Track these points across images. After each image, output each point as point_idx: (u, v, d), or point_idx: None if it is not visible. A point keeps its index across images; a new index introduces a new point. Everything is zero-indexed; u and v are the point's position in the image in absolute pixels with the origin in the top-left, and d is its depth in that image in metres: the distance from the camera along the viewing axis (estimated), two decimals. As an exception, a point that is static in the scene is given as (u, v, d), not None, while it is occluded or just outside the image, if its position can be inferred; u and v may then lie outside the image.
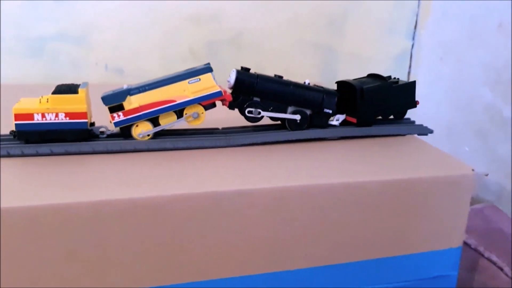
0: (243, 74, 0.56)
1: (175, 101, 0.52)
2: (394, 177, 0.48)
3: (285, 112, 0.57)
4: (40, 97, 0.50)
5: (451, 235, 0.51)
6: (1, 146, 0.49)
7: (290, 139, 0.56)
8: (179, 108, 0.53)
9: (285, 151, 0.54)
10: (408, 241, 0.50)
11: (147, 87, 0.52)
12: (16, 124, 0.49)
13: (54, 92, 0.49)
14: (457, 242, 0.52)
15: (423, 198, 0.49)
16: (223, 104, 0.56)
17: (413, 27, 1.13)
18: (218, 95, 0.54)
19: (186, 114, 0.54)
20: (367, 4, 1.07)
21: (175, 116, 0.54)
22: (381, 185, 0.47)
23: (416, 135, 0.61)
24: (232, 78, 0.56)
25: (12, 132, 0.51)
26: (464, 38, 0.97)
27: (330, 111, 0.58)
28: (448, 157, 0.54)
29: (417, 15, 1.12)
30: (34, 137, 0.49)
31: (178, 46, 1.00)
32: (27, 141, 0.50)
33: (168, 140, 0.53)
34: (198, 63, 1.02)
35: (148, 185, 0.44)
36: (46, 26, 0.93)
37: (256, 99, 0.57)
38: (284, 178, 0.47)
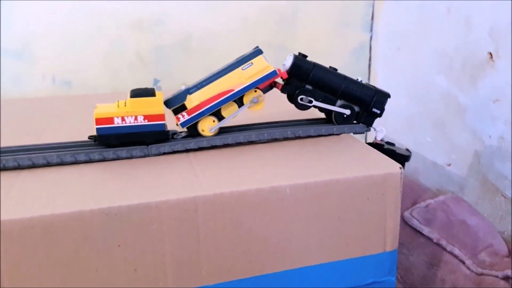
0: (300, 59, 0.55)
1: (233, 90, 0.53)
2: (314, 179, 0.45)
3: (334, 105, 0.57)
4: (117, 102, 0.51)
5: (384, 238, 0.48)
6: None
7: (203, 146, 0.54)
8: (239, 97, 0.53)
9: (201, 158, 0.51)
10: (336, 247, 0.47)
11: (204, 83, 0.53)
12: (97, 129, 0.50)
13: (132, 96, 0.50)
14: (391, 245, 0.49)
15: (348, 199, 0.46)
16: (275, 87, 0.56)
17: (369, 18, 1.10)
18: (273, 74, 0.54)
19: (246, 99, 0.54)
20: (316, 1, 1.05)
21: (236, 106, 0.54)
22: (300, 189, 0.44)
23: (352, 134, 0.58)
24: (288, 62, 0.55)
25: (91, 137, 0.52)
26: (416, 26, 0.94)
27: (379, 112, 0.57)
28: (377, 155, 0.51)
29: (373, 6, 1.09)
30: (114, 141, 0.51)
31: (125, 53, 0.98)
32: (108, 145, 0.51)
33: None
34: (147, 69, 1.00)
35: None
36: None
37: (308, 87, 0.56)
38: (193, 187, 0.44)
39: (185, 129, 0.54)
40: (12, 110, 0.75)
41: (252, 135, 0.55)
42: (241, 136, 0.54)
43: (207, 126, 0.54)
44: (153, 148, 0.52)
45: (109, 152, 0.50)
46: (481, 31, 0.78)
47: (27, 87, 0.94)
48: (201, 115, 0.53)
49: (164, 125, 0.52)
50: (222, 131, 0.56)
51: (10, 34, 0.91)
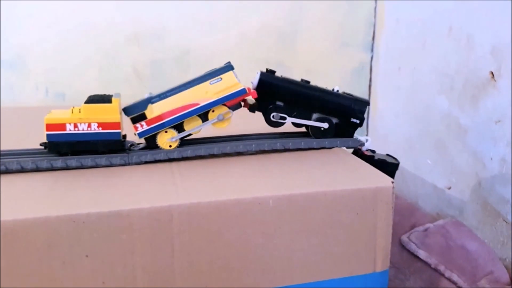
0: (267, 75, 0.53)
1: (198, 104, 0.50)
2: (300, 191, 0.42)
3: (309, 119, 0.54)
4: (72, 108, 0.48)
5: (373, 257, 0.45)
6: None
7: (187, 155, 0.51)
8: (203, 112, 0.50)
9: (184, 168, 0.49)
10: (321, 265, 0.44)
11: (168, 93, 0.50)
12: (47, 135, 0.47)
13: (86, 102, 0.48)
14: (382, 266, 0.46)
15: (335, 214, 0.43)
16: (243, 106, 0.53)
17: (370, 38, 1.09)
18: (242, 93, 0.51)
19: (211, 115, 0.51)
20: (316, 19, 1.04)
21: (200, 121, 0.51)
22: (284, 201, 0.42)
23: (345, 148, 0.56)
24: (256, 79, 0.53)
25: (43, 144, 0.49)
26: (417, 45, 0.92)
27: (358, 121, 0.54)
28: (368, 168, 0.48)
29: (374, 26, 1.08)
30: (65, 148, 0.48)
31: (121, 67, 0.96)
32: (59, 153, 0.48)
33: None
34: (143, 84, 0.99)
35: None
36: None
37: (280, 103, 0.53)
38: (169, 195, 0.41)
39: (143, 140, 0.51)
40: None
41: (240, 145, 0.52)
42: (227, 147, 0.52)
43: (166, 140, 0.51)
44: (134, 156, 0.49)
45: (87, 160, 0.48)
46: (482, 50, 0.76)
47: (20, 98, 0.93)
48: (161, 126, 0.50)
49: (119, 134, 0.48)
50: (208, 141, 0.53)
51: (4, 45, 0.90)
